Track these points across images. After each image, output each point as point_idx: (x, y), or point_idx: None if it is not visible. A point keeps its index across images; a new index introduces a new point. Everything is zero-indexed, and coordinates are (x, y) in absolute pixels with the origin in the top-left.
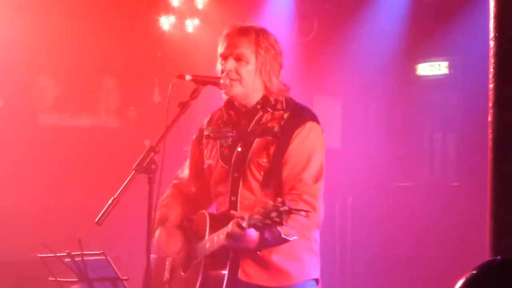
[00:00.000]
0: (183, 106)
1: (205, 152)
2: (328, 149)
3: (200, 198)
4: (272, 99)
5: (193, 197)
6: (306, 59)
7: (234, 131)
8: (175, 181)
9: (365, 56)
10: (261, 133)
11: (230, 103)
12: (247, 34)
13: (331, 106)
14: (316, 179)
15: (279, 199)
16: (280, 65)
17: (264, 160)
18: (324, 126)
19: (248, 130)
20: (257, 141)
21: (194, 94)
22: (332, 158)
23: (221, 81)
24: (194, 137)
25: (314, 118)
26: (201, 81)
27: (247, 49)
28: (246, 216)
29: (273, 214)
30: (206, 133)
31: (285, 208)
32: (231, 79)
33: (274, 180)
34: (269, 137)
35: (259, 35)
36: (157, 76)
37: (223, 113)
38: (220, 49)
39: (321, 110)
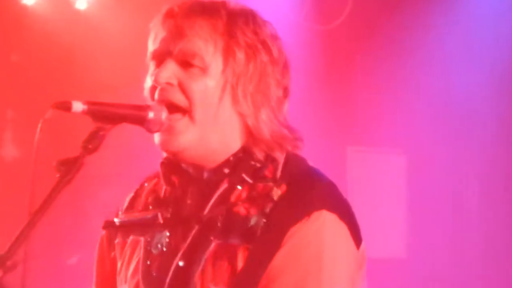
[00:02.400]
0: (68, 168)
1: (119, 265)
2: (372, 259)
3: None
4: (257, 156)
5: None
6: (329, 65)
7: (171, 216)
8: None
9: (447, 73)
10: (225, 229)
11: (172, 163)
12: (209, 15)
13: (383, 168)
14: None
15: None
16: (282, 86)
17: None
18: (367, 214)
19: (201, 219)
20: (215, 246)
21: (92, 143)
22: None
23: (150, 115)
24: (102, 233)
25: (334, 203)
26: (106, 116)
27: (205, 44)
28: None
29: None
30: (119, 220)
31: None
32: (171, 110)
33: None
34: (239, 239)
35: (236, 19)
36: (12, 105)
37: (159, 181)
38: (152, 44)
39: (361, 179)
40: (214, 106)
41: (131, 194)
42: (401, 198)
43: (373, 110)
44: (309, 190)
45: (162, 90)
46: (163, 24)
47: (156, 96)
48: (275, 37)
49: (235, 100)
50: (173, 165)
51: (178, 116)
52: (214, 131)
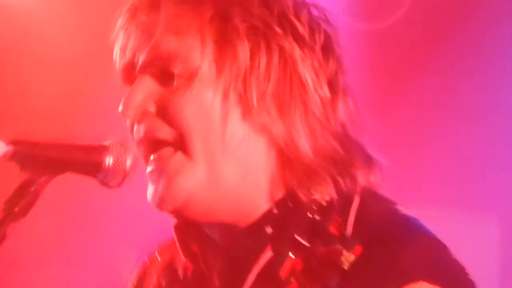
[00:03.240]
0: None
1: None
2: None
3: None
4: (311, 199)
5: None
6: (380, 82)
7: None
8: None
9: None
10: None
11: (189, 225)
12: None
13: (466, 238)
14: None
15: None
16: (324, 78)
17: None
18: None
19: None
20: None
21: (20, 205)
22: None
23: (107, 162)
24: None
25: (438, 270)
26: (40, 163)
27: (186, 39)
28: None
29: None
30: None
31: None
32: (156, 147)
33: None
34: None
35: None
36: None
37: (176, 251)
38: (118, 56)
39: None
40: (217, 127)
41: (137, 271)
42: (492, 276)
43: (441, 145)
44: (398, 251)
45: (138, 123)
46: (126, 25)
47: (135, 134)
48: (302, 5)
49: (247, 111)
50: (191, 228)
51: (166, 151)
52: (226, 162)
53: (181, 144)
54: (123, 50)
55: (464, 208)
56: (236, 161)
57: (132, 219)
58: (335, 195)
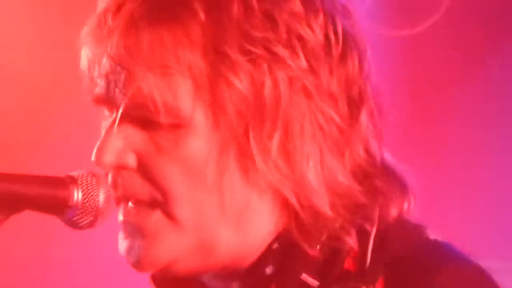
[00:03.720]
0: None
1: None
2: None
3: None
4: (322, 232)
5: None
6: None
7: None
8: None
9: None
10: None
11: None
12: (172, 16)
13: None
14: None
15: None
16: (345, 92)
17: None
18: None
19: None
20: None
21: None
22: None
23: (75, 197)
24: None
25: None
26: None
27: (174, 80)
28: None
29: None
30: None
31: None
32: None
33: None
34: None
35: (223, 8)
36: None
37: None
38: (87, 80)
39: None
40: (212, 192)
41: None
42: None
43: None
44: (428, 282)
45: (114, 177)
46: (94, 47)
47: (109, 181)
48: (316, 10)
49: (250, 169)
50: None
51: (145, 211)
52: (223, 230)
53: (164, 205)
54: (92, 76)
55: None
56: (235, 227)
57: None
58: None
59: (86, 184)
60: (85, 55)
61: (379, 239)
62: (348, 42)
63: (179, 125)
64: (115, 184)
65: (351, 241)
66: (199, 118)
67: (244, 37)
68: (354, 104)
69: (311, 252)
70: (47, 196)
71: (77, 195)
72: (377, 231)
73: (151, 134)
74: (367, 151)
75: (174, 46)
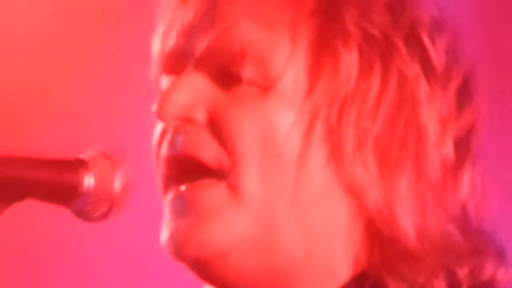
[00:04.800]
0: None
1: None
2: None
3: None
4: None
5: None
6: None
7: None
8: None
9: None
10: None
11: None
12: None
13: None
14: None
15: None
16: (450, 134)
17: None
18: None
19: None
20: None
21: None
22: None
23: (86, 183)
24: None
25: None
26: None
27: (270, 31)
28: None
29: None
30: None
31: None
32: (191, 175)
33: None
34: None
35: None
36: None
37: None
38: (159, 40)
39: None
40: (289, 166)
41: None
42: None
43: None
44: None
45: (174, 134)
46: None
47: (163, 148)
48: (442, 27)
49: (335, 156)
50: None
51: (205, 181)
52: (290, 220)
53: (229, 174)
54: (171, 28)
55: None
56: (304, 223)
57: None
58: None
59: (99, 168)
60: (164, 9)
61: None
62: (470, 85)
63: (264, 83)
64: (173, 143)
65: (439, 284)
66: (290, 82)
67: (361, 13)
68: (459, 153)
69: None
70: (53, 182)
71: (89, 180)
72: None
73: (228, 88)
74: (464, 213)
75: (279, 1)
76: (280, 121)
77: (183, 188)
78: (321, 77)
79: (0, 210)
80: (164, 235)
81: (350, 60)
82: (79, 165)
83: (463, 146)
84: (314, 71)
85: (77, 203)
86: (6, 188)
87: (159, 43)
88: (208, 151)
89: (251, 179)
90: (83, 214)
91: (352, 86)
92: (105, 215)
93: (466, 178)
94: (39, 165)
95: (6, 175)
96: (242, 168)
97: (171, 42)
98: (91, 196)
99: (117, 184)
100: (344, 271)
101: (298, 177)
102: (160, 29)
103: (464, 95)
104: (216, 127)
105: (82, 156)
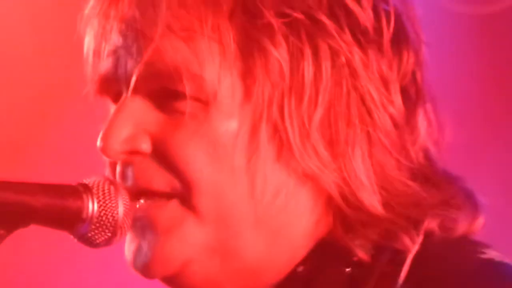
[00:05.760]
0: None
1: None
2: None
3: None
4: (355, 249)
5: None
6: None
7: None
8: None
9: None
10: None
11: None
12: None
13: None
14: None
15: None
16: (396, 86)
17: None
18: None
19: None
20: None
21: None
22: None
23: (89, 209)
24: None
25: None
26: None
27: (198, 45)
28: None
29: None
30: None
31: None
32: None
33: None
34: None
35: None
36: None
37: None
38: (90, 63)
39: None
40: (241, 177)
41: None
42: None
43: None
44: None
45: (124, 167)
46: (101, 18)
47: (117, 178)
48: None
49: (285, 152)
50: None
51: (160, 199)
52: (250, 228)
53: (182, 194)
54: (100, 50)
55: None
56: (264, 223)
57: None
58: (391, 242)
59: (102, 193)
60: (89, 35)
61: (422, 258)
62: (403, 29)
63: (202, 100)
64: (124, 175)
65: (408, 240)
66: (226, 91)
67: (280, 0)
68: (409, 99)
69: (359, 254)
70: (57, 208)
71: (92, 206)
72: (423, 248)
73: (168, 110)
74: (427, 157)
75: (197, 6)
76: (224, 132)
77: (138, 204)
78: (255, 78)
79: (3, 236)
80: (127, 255)
81: (279, 55)
82: (83, 190)
83: (410, 91)
84: (248, 74)
85: (80, 228)
86: (9, 214)
87: (89, 66)
88: (158, 181)
89: (205, 195)
90: (86, 240)
91: (287, 79)
92: (109, 241)
93: (421, 120)
94: (43, 190)
95: (8, 201)
96: (194, 188)
97: (101, 65)
98: (94, 222)
99: (120, 210)
100: (305, 248)
101: (251, 182)
102: (87, 50)
103: (398, 41)
104: (163, 155)
105: (86, 181)
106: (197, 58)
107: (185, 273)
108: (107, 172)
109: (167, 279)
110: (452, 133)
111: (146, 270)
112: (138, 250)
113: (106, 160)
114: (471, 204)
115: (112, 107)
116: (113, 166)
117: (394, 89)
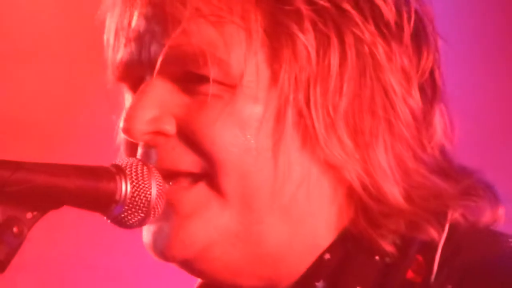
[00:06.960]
0: None
1: None
2: None
3: None
4: (382, 240)
5: None
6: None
7: None
8: None
9: None
10: None
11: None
12: None
13: None
14: None
15: None
16: (415, 83)
17: None
18: None
19: None
20: None
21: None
22: None
23: (123, 190)
24: None
25: None
26: (25, 195)
27: (224, 30)
28: None
29: None
30: None
31: None
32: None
33: None
34: None
35: None
36: None
37: None
38: (111, 49)
39: None
40: (265, 161)
41: None
42: None
43: None
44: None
45: (147, 147)
46: (128, 1)
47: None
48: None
49: (309, 139)
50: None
51: (184, 181)
52: (273, 213)
53: (209, 175)
54: (120, 35)
55: None
56: (287, 213)
57: None
58: (418, 234)
59: (135, 175)
60: (111, 20)
61: (452, 246)
62: (423, 28)
63: (228, 81)
64: (147, 157)
65: (433, 231)
66: (252, 75)
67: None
68: (426, 96)
69: (384, 245)
70: (90, 190)
71: (125, 187)
72: (451, 237)
73: (193, 92)
74: (443, 153)
75: None
76: (250, 115)
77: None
78: (282, 63)
79: (34, 219)
80: (146, 237)
81: (307, 41)
82: (116, 171)
83: (427, 88)
84: (275, 59)
85: (113, 210)
86: (43, 196)
87: (110, 51)
88: (184, 162)
89: (231, 179)
90: (119, 221)
91: (313, 66)
92: (142, 222)
93: (437, 117)
94: (76, 172)
95: (43, 183)
96: (221, 170)
97: (124, 50)
98: (127, 203)
99: (153, 191)
100: (328, 239)
101: (276, 167)
102: (108, 36)
103: (418, 37)
104: (188, 136)
105: (119, 162)
106: (224, 42)
107: (205, 257)
108: (123, 156)
109: (185, 263)
110: (469, 132)
111: (166, 251)
112: (158, 232)
113: (122, 145)
114: (492, 194)
115: (128, 96)
116: (130, 150)
117: (413, 83)
